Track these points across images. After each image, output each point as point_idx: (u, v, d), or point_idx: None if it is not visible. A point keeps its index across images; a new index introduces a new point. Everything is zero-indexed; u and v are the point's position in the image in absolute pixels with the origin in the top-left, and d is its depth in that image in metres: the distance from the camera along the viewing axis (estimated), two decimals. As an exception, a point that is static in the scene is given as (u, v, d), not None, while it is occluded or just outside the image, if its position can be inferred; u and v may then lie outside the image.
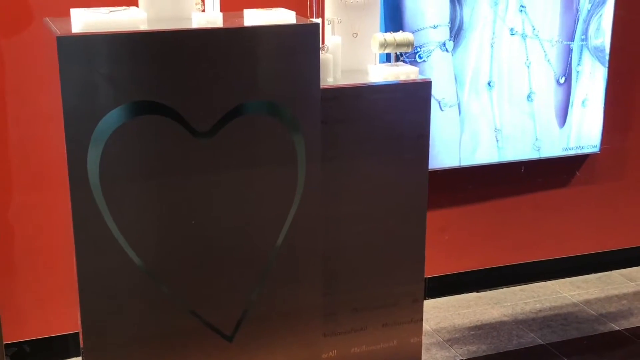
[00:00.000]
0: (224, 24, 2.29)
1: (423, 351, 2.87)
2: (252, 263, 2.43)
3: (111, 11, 2.24)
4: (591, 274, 3.99)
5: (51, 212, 2.85)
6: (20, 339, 3.08)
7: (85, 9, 2.25)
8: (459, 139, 3.42)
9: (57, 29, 2.16)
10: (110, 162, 2.18)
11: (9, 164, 2.91)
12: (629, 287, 3.88)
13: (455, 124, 3.40)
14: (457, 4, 3.28)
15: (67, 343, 3.10)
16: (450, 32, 3.31)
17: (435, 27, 3.27)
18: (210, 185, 2.31)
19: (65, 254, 2.33)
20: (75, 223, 2.19)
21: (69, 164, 2.14)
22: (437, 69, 3.31)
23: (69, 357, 3.12)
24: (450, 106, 3.38)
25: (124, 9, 2.26)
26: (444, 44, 3.31)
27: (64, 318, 2.96)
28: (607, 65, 3.64)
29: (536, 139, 3.57)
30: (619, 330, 3.49)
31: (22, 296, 3.03)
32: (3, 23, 2.78)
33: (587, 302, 3.72)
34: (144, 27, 2.22)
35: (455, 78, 3.36)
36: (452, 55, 3.33)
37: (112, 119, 2.15)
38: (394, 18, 3.19)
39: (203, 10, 2.33)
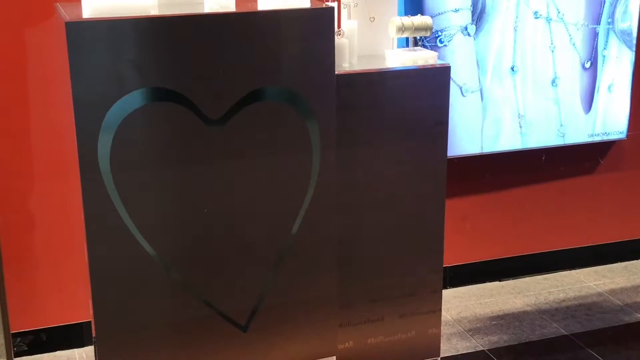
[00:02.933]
0: (236, 8, 2.27)
1: (443, 341, 2.85)
2: (266, 252, 2.41)
3: (122, -4, 2.22)
4: (617, 263, 3.94)
5: (69, 202, 2.84)
6: (37, 327, 3.09)
7: (96, -6, 2.23)
8: (481, 125, 3.38)
9: (66, 14, 2.15)
10: (121, 150, 2.17)
11: (30, 154, 2.91)
12: (656, 277, 3.84)
13: (477, 110, 3.36)
14: (479, -14, 3.24)
15: (82, 331, 3.11)
16: (472, 15, 3.26)
17: (456, 10, 3.23)
18: (223, 173, 2.30)
19: (82, 243, 2.32)
20: (86, 212, 2.19)
21: (79, 152, 2.14)
22: (458, 54, 3.27)
23: (84, 346, 3.13)
24: (472, 92, 3.34)
25: (135, -6, 2.24)
26: (466, 28, 3.26)
27: (80, 306, 2.96)
28: (634, 49, 3.58)
29: (561, 125, 3.53)
30: (644, 320, 3.45)
31: (39, 285, 3.04)
32: (24, 12, 2.77)
33: (613, 292, 3.68)
34: (154, 12, 2.20)
35: (478, 63, 3.32)
36: (474, 39, 3.29)
37: (122, 106, 2.14)
38: (414, 1, 3.15)
39: (215, -5, 2.31)
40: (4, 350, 2.37)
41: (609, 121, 3.61)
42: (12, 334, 2.98)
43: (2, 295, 2.15)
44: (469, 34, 3.27)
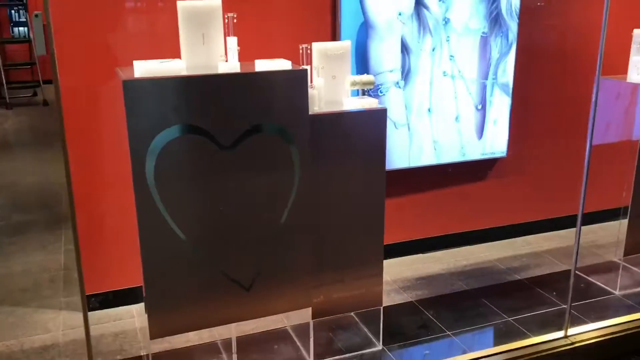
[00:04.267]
0: (241, 70, 2.25)
1: (384, 295, 2.84)
2: (263, 235, 2.39)
3: (161, 62, 2.19)
4: (502, 240, 3.95)
5: (129, 202, 2.81)
6: (105, 290, 3.05)
7: (144, 60, 2.21)
8: (408, 148, 3.39)
9: (123, 75, 2.12)
10: (162, 168, 2.14)
11: (103, 172, 2.87)
12: (527, 249, 3.86)
13: (406, 138, 3.36)
14: (406, 54, 3.24)
15: (136, 293, 3.06)
16: (402, 74, 3.27)
17: (391, 70, 3.23)
18: (232, 182, 2.28)
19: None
20: (138, 210, 2.16)
21: (133, 169, 2.11)
22: (393, 100, 3.27)
23: (138, 302, 3.08)
24: (402, 125, 3.34)
25: (170, 61, 2.22)
26: (398, 83, 3.27)
27: (135, 275, 2.92)
28: (510, 96, 3.59)
29: (462, 147, 3.54)
30: (520, 279, 3.45)
31: (107, 259, 2.99)
32: (102, 72, 2.74)
33: (499, 260, 3.69)
34: (184, 73, 2.18)
35: (406, 106, 3.32)
36: (403, 90, 3.29)
37: (162, 137, 2.12)
38: (362, 64, 3.15)
39: (226, 61, 2.29)
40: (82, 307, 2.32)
41: (494, 144, 3.63)
42: (88, 295, 2.94)
43: (79, 267, 2.11)
44: (399, 87, 3.28)
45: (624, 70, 3.32)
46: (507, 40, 3.48)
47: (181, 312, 2.33)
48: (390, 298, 3.18)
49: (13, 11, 10.49)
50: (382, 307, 2.76)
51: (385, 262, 2.71)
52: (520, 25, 3.49)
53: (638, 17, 3.77)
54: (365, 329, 2.89)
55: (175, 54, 2.30)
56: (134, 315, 3.02)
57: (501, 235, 3.95)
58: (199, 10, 2.23)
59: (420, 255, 3.72)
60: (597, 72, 2.60)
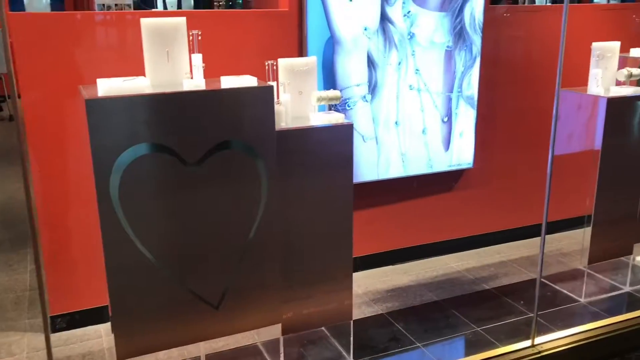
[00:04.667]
0: (206, 87, 2.25)
1: (355, 308, 2.84)
2: (232, 251, 2.38)
3: (125, 80, 2.17)
4: (469, 250, 3.99)
5: (93, 219, 2.77)
6: (72, 309, 2.99)
7: (107, 78, 2.19)
8: (377, 161, 3.41)
9: (86, 93, 2.10)
10: (126, 186, 2.12)
11: (67, 187, 2.83)
12: (495, 258, 3.90)
13: (374, 151, 3.39)
14: (372, 69, 3.27)
15: (103, 312, 3.01)
16: (369, 88, 3.29)
17: (358, 85, 3.26)
18: (199, 199, 2.26)
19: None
20: (103, 228, 2.13)
21: (97, 186, 2.08)
22: (360, 114, 3.29)
23: (105, 322, 3.04)
24: (370, 139, 3.36)
25: (134, 78, 2.20)
26: (365, 97, 3.29)
27: (101, 294, 2.88)
28: (476, 109, 3.65)
29: (429, 159, 3.57)
30: (488, 289, 3.49)
31: (72, 279, 2.94)
32: (66, 89, 2.70)
33: (467, 270, 3.73)
34: (148, 90, 2.17)
35: (373, 119, 3.34)
36: (370, 104, 3.32)
37: (126, 156, 2.10)
38: (329, 79, 3.17)
39: (191, 78, 2.28)
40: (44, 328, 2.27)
41: (461, 156, 3.67)
42: (52, 315, 2.88)
43: (42, 287, 2.07)
44: (367, 101, 3.30)
45: (585, 82, 3.40)
46: (471, 53, 3.54)
47: (149, 331, 2.30)
48: (360, 310, 3.19)
49: (-23, 25, 10.28)
50: (352, 321, 2.76)
51: (355, 275, 2.71)
52: (483, 38, 3.56)
53: (597, 30, 3.88)
54: (336, 343, 2.88)
55: (140, 71, 2.29)
56: (102, 335, 2.97)
57: (469, 245, 3.98)
58: (163, 27, 2.22)
59: (390, 267, 3.73)
60: (557, 84, 2.67)
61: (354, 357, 2.77)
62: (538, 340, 2.87)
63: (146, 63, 2.24)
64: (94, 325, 3.02)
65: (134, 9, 5.24)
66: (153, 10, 5.42)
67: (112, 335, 2.28)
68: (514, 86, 3.85)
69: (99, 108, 2.03)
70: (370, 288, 3.46)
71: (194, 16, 2.54)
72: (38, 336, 2.97)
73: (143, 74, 2.26)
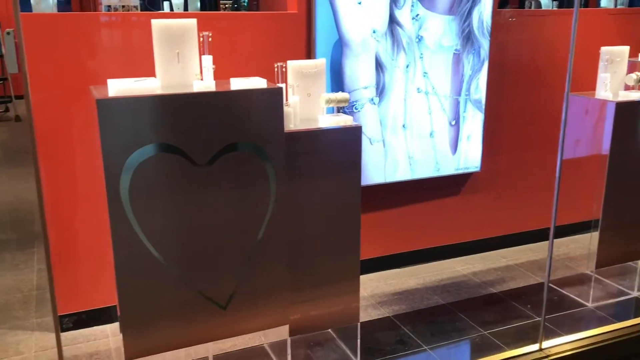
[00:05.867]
0: (216, 88, 2.26)
1: (361, 311, 2.84)
2: (241, 252, 2.39)
3: (136, 81, 2.19)
4: (476, 254, 3.99)
5: (103, 218, 2.79)
6: (79, 309, 3.00)
7: (118, 79, 2.20)
8: (384, 163, 3.41)
9: (97, 93, 2.11)
10: (136, 186, 2.13)
11: (75, 188, 2.84)
12: (502, 262, 3.90)
13: (381, 154, 3.39)
14: (380, 71, 3.28)
15: (110, 312, 3.03)
16: (377, 90, 3.30)
17: (366, 87, 3.27)
18: (208, 200, 2.27)
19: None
20: (112, 227, 2.14)
21: (107, 187, 2.09)
22: (368, 117, 3.30)
23: (113, 322, 3.05)
24: (377, 141, 3.37)
25: (145, 79, 2.21)
26: (372, 99, 3.30)
27: (110, 294, 2.89)
28: (483, 112, 3.65)
29: (436, 163, 3.58)
30: (495, 292, 3.49)
31: (82, 279, 2.95)
32: (75, 90, 2.72)
33: (474, 274, 3.72)
34: (159, 91, 2.18)
35: (381, 122, 3.35)
36: (378, 107, 3.32)
37: (137, 156, 2.11)
38: (337, 82, 3.18)
39: (201, 79, 2.29)
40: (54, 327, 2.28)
41: (468, 159, 3.67)
42: (59, 315, 2.89)
43: (51, 287, 2.08)
44: (374, 103, 3.31)
45: (593, 87, 3.40)
46: (479, 57, 3.55)
47: (157, 331, 2.31)
48: (367, 313, 3.19)
49: (-16, 26, 10.35)
50: (359, 323, 2.76)
51: (362, 278, 2.71)
52: (492, 42, 3.56)
53: (605, 34, 3.88)
54: (343, 345, 2.89)
55: (150, 72, 2.30)
56: (109, 335, 2.98)
57: (476, 249, 3.98)
58: (174, 28, 2.24)
59: (396, 270, 3.74)
60: (566, 88, 2.67)
61: (360, 360, 2.78)
62: (546, 344, 2.86)
63: (157, 64, 2.25)
64: (100, 325, 3.04)
65: (141, 10, 5.26)
66: (161, 11, 5.44)
67: (120, 335, 2.29)
68: (521, 90, 3.85)
69: (109, 108, 2.04)
70: (376, 291, 3.46)
71: (204, 18, 2.55)
72: (46, 335, 2.98)
73: (153, 75, 2.28)
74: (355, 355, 2.78)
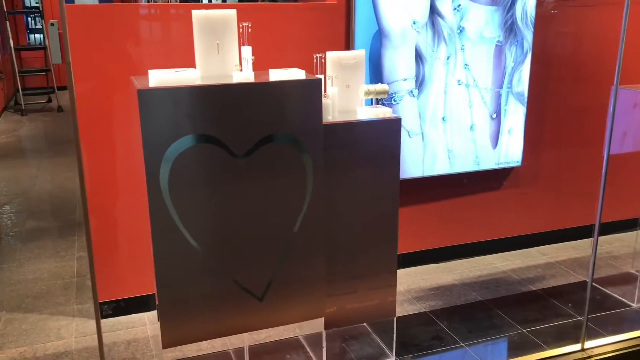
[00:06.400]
0: (255, 79, 2.26)
1: (397, 306, 2.82)
2: (277, 244, 2.39)
3: (176, 71, 2.20)
4: (515, 250, 3.93)
5: (143, 208, 2.83)
6: (118, 297, 3.06)
7: (158, 70, 2.22)
8: (422, 157, 3.38)
9: (138, 84, 2.13)
10: (175, 177, 2.15)
11: (116, 177, 2.89)
12: (542, 259, 3.82)
13: (420, 147, 3.35)
14: (420, 63, 3.23)
15: (149, 300, 3.07)
16: (416, 82, 3.26)
17: (405, 79, 3.23)
18: (246, 191, 2.27)
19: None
20: (152, 217, 2.16)
21: (147, 176, 2.11)
22: (406, 109, 3.27)
23: (151, 310, 3.09)
24: (416, 134, 3.33)
25: (185, 70, 2.23)
26: (411, 92, 3.26)
27: (148, 283, 2.94)
28: (525, 105, 3.57)
29: (476, 157, 3.52)
30: (534, 290, 3.42)
31: (121, 267, 3.00)
32: (116, 80, 2.76)
33: (513, 270, 3.66)
34: (199, 82, 2.19)
35: (420, 115, 3.31)
36: (417, 99, 3.28)
37: (176, 146, 2.12)
38: (376, 73, 3.15)
39: (240, 70, 2.29)
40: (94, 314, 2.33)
41: (509, 154, 3.61)
42: (100, 302, 2.95)
43: (92, 275, 2.12)
44: (413, 95, 3.27)
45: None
46: (522, 49, 3.47)
47: (194, 320, 2.33)
48: (403, 308, 3.16)
49: (29, 18, 10.61)
50: (395, 318, 2.74)
51: (399, 272, 2.69)
52: (535, 34, 3.48)
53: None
54: (378, 340, 2.87)
55: (190, 63, 2.31)
56: (146, 322, 3.03)
57: (516, 246, 3.91)
58: (214, 19, 2.24)
59: (433, 265, 3.70)
60: (615, 81, 2.58)
61: (396, 355, 2.75)
62: (588, 344, 2.79)
63: (197, 55, 2.26)
64: (139, 313, 3.09)
65: (180, 2, 5.30)
66: (201, 2, 5.48)
67: (158, 323, 2.32)
68: (565, 83, 3.75)
69: (150, 98, 2.06)
70: (413, 286, 3.43)
71: (243, 9, 2.56)
72: (86, 322, 3.05)
73: (193, 66, 2.29)
74: (391, 350, 2.76)
